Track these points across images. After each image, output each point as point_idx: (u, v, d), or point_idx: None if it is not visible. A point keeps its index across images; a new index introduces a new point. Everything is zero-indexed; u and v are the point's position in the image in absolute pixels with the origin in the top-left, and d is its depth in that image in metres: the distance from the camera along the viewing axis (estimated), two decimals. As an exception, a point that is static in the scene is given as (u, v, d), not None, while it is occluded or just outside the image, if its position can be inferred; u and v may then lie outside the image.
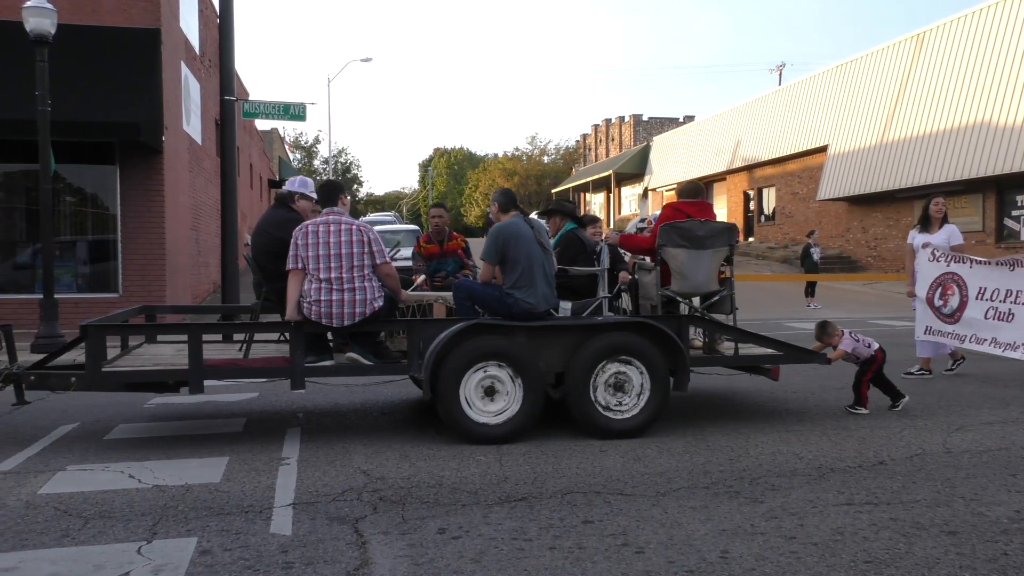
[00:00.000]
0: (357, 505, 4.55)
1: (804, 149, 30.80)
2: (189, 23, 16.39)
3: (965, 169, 22.20)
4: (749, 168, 35.41)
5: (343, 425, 6.73)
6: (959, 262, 7.77)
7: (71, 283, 13.34)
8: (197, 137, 17.01)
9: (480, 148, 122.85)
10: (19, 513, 4.45)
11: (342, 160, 76.91)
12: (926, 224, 8.52)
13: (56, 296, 10.98)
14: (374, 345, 6.30)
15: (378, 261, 6.01)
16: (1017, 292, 7.24)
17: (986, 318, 7.45)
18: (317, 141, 69.67)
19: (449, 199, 77.10)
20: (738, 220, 36.04)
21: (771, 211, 34.48)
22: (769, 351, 6.61)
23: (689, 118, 50.78)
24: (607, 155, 57.03)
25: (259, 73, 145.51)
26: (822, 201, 29.26)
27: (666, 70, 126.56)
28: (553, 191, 62.82)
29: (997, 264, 7.49)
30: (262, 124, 37.19)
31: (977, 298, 7.54)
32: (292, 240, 5.99)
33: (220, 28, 13.31)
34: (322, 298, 5.84)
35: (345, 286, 5.85)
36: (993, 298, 7.42)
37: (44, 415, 7.14)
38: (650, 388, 6.12)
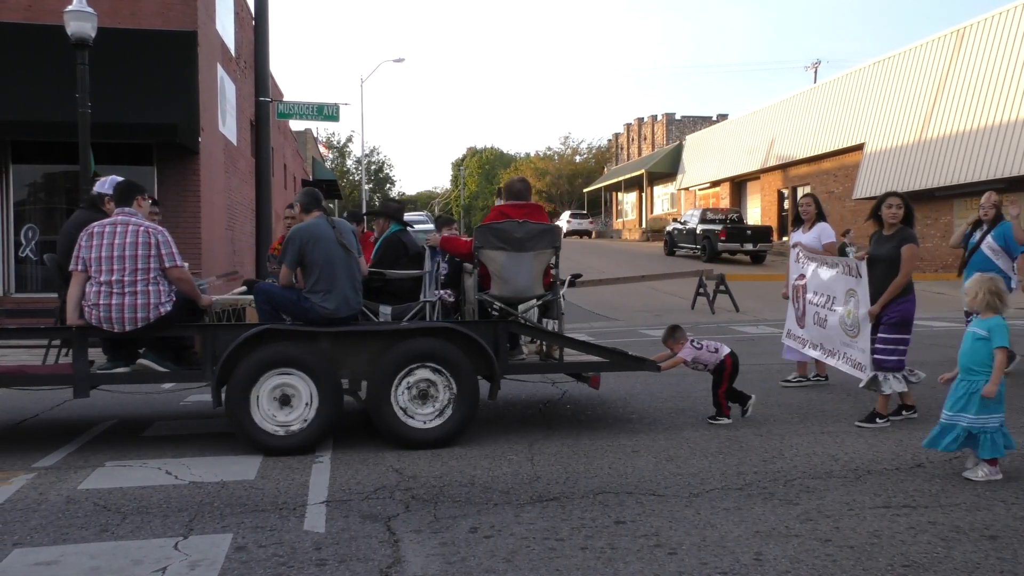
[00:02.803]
0: (390, 503, 4.58)
1: (840, 147, 30.41)
2: (225, 26, 16.60)
3: (1006, 167, 21.77)
4: (783, 167, 35.04)
5: (376, 423, 6.76)
6: (814, 263, 7.38)
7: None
8: (232, 138, 17.23)
9: (512, 148, 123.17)
10: (60, 508, 4.55)
11: (374, 160, 77.30)
12: (799, 223, 8.30)
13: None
14: (172, 351, 6.06)
15: (167, 264, 5.66)
16: (833, 297, 6.89)
17: (814, 323, 7.13)
18: (349, 141, 69.94)
19: (481, 199, 77.23)
20: (772, 219, 35.74)
21: (806, 210, 34.02)
22: (595, 358, 6.31)
23: (722, 117, 50.41)
24: (639, 154, 56.81)
25: (293, 74, 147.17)
26: (858, 200, 28.84)
27: (699, 69, 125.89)
28: (585, 190, 62.73)
29: (834, 267, 7.00)
30: (296, 125, 37.57)
31: (810, 303, 7.25)
32: (77, 241, 5.67)
33: (255, 30, 13.49)
34: (101, 302, 5.52)
35: (127, 289, 5.53)
36: (819, 304, 7.08)
37: (84, 412, 7.28)
38: (456, 397, 5.81)
